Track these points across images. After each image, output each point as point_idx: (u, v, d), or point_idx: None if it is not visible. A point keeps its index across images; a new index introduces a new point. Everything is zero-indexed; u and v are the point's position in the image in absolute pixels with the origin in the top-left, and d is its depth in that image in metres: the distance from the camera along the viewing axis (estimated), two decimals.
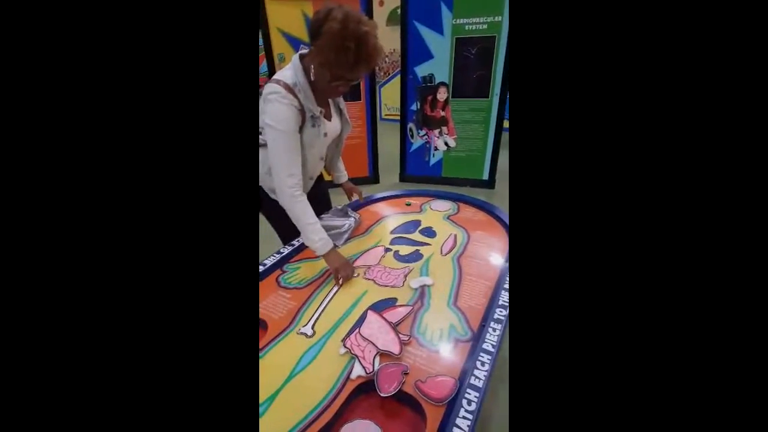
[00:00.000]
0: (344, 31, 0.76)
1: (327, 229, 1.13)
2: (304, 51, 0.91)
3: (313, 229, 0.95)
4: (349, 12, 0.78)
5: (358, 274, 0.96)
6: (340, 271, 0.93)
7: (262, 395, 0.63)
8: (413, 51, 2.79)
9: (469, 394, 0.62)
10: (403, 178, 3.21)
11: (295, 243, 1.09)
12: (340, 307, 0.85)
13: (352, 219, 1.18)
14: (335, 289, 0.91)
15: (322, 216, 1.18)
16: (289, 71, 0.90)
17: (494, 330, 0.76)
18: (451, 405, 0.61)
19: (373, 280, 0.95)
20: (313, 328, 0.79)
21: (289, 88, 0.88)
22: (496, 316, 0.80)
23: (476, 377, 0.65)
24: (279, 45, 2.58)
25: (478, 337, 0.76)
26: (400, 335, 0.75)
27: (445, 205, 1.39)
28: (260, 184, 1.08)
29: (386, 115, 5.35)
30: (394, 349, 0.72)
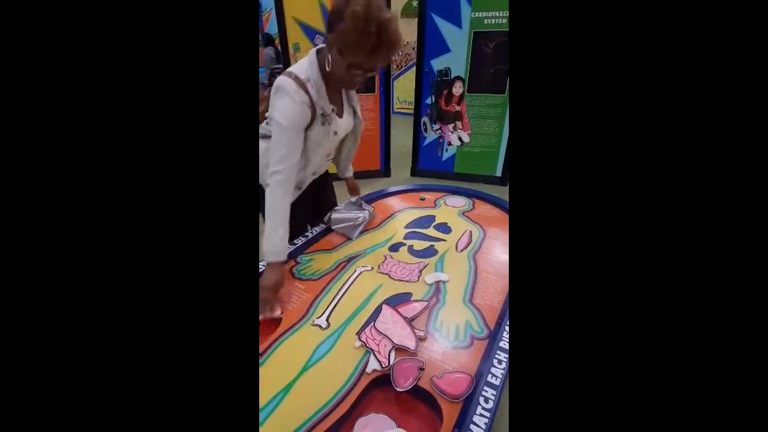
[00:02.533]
0: (368, 15, 0.74)
1: (340, 221, 1.13)
2: (322, 46, 0.89)
3: (270, 229, 0.85)
4: None
5: (281, 313, 0.80)
6: (271, 292, 0.82)
7: (277, 387, 0.63)
8: (430, 44, 2.74)
9: (486, 391, 0.61)
10: (415, 172, 3.18)
11: (309, 234, 1.09)
12: (355, 300, 0.84)
13: (366, 212, 1.17)
14: (350, 281, 0.91)
15: (336, 208, 1.18)
16: (305, 65, 0.88)
17: None
18: (468, 402, 0.60)
19: (387, 274, 0.94)
20: (327, 320, 0.78)
21: (301, 83, 0.85)
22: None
23: (493, 375, 0.64)
24: (294, 35, 2.56)
25: (494, 335, 0.74)
26: (416, 330, 0.74)
27: (459, 201, 1.37)
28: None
29: (398, 108, 5.31)
30: (410, 344, 0.71)
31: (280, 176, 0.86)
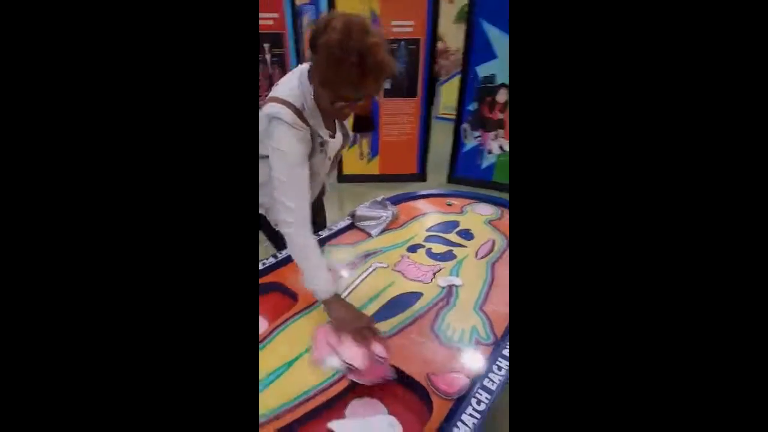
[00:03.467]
0: (344, 43, 0.64)
1: (364, 218, 1.18)
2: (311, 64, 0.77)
3: (310, 270, 0.78)
4: (353, 20, 0.66)
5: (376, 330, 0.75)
6: (350, 325, 0.74)
7: (282, 360, 0.70)
8: (476, 50, 2.72)
9: (480, 394, 0.62)
10: (452, 179, 3.14)
11: (333, 228, 1.15)
12: (366, 293, 0.89)
13: (390, 212, 1.20)
14: (364, 275, 0.95)
15: (361, 206, 1.23)
16: (296, 89, 0.77)
17: None
18: (460, 401, 0.61)
19: (401, 272, 0.97)
20: None
21: (298, 112, 0.75)
22: None
23: (491, 380, 0.65)
24: None
25: (500, 343, 0.74)
26: (377, 357, 0.70)
27: (488, 209, 1.35)
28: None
29: (442, 113, 5.29)
30: (358, 363, 0.67)
31: (298, 215, 0.77)
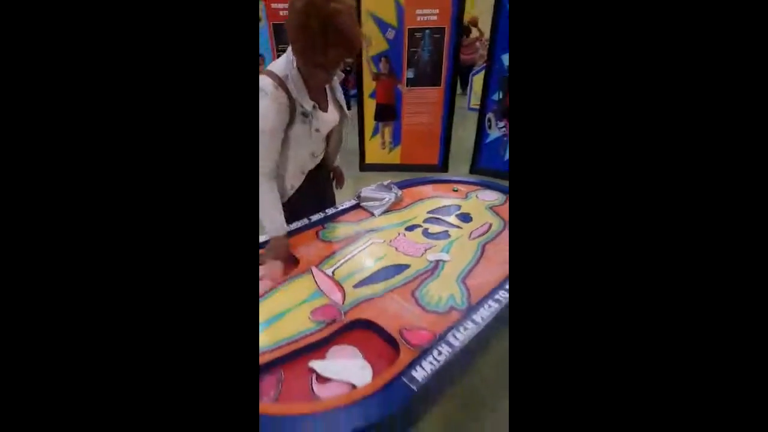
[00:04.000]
0: (307, 8, 0.68)
1: (368, 199, 1.28)
2: None
3: (266, 211, 0.93)
4: None
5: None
6: (267, 254, 0.93)
7: (282, 308, 0.83)
8: (502, 37, 2.67)
9: (442, 347, 0.71)
10: (475, 170, 3.12)
11: (338, 207, 1.27)
12: (359, 263, 0.99)
13: (393, 194, 1.29)
14: (361, 248, 1.06)
15: (366, 188, 1.33)
16: (283, 61, 0.84)
17: (489, 306, 0.81)
18: (424, 351, 0.70)
19: (394, 247, 1.06)
20: (333, 272, 0.95)
21: (280, 81, 0.82)
22: (496, 296, 0.85)
23: (455, 337, 0.73)
24: (367, 28, 2.66)
25: (472, 309, 0.82)
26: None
27: (492, 196, 1.40)
28: None
29: (475, 104, 5.18)
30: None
31: (261, 171, 0.88)
